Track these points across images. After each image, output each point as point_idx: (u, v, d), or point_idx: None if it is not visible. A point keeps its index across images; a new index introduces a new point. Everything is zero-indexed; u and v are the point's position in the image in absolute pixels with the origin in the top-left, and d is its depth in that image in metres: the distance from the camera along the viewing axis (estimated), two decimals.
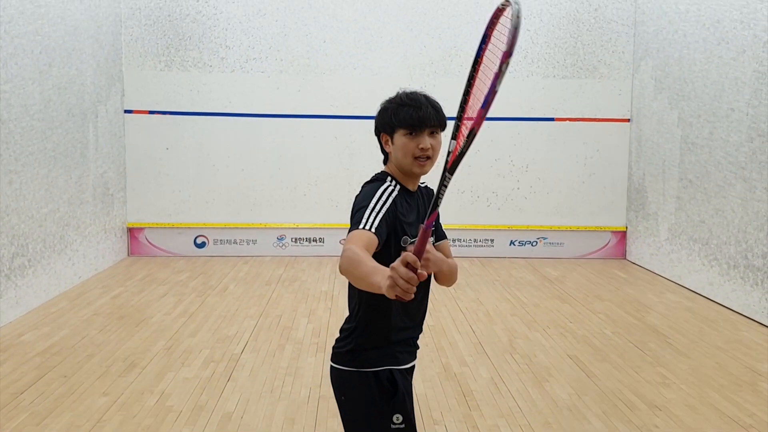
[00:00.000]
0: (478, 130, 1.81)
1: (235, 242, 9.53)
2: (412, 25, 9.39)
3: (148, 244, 9.40)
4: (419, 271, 1.73)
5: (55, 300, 6.99)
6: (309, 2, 9.30)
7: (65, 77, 7.36)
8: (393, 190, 2.32)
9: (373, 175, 2.44)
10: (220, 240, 9.51)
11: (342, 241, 1.96)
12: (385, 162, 2.47)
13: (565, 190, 9.65)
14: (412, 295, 1.74)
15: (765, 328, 6.39)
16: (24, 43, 6.49)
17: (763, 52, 6.58)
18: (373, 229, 2.16)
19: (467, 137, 1.84)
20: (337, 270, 8.32)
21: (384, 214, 2.21)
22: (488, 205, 9.61)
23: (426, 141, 2.31)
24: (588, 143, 9.61)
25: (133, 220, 9.34)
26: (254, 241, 9.55)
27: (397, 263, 1.74)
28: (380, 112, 2.40)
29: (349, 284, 2.36)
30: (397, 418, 2.35)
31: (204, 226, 9.46)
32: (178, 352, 5.50)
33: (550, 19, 9.44)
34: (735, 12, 7.04)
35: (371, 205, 2.23)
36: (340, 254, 2.10)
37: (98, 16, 8.24)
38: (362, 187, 2.39)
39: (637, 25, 9.33)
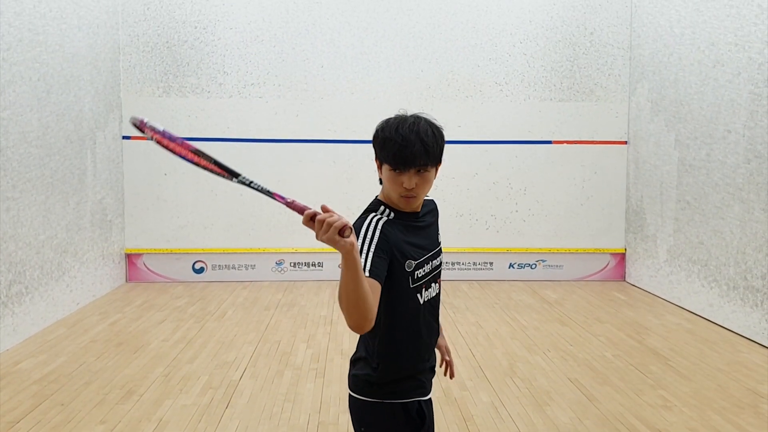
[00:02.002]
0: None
1: (233, 267, 9.51)
2: (409, 50, 9.45)
3: (147, 270, 9.37)
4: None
5: (53, 327, 6.95)
6: (306, 28, 9.37)
7: (63, 104, 7.39)
8: (379, 220, 2.20)
9: (369, 204, 2.34)
10: (219, 265, 9.49)
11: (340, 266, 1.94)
12: (381, 183, 2.35)
13: (563, 212, 9.66)
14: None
15: (765, 350, 6.35)
16: (22, 70, 6.53)
17: (759, 73, 6.62)
18: (367, 273, 2.04)
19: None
20: (336, 295, 8.30)
21: (374, 251, 2.10)
22: (487, 228, 9.61)
23: (410, 180, 2.18)
24: (586, 166, 9.64)
25: (131, 246, 9.33)
26: (253, 266, 9.52)
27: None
28: (374, 138, 2.28)
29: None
30: None
31: (202, 252, 9.44)
32: (176, 378, 5.46)
33: (546, 43, 9.51)
34: (729, 35, 7.10)
35: (359, 246, 2.11)
36: (339, 278, 2.05)
37: (96, 44, 8.30)
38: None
39: (633, 48, 9.40)
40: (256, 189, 1.94)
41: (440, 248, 2.44)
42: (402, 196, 2.22)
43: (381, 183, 2.34)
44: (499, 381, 5.43)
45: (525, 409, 4.85)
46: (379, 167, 2.28)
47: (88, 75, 8.04)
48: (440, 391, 5.16)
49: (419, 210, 2.35)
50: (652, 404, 4.95)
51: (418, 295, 2.29)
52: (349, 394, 2.34)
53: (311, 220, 1.82)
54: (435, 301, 2.41)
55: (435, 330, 2.42)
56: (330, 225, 1.80)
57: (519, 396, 5.10)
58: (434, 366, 2.46)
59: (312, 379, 5.47)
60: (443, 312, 7.63)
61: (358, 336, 2.35)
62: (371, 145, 2.36)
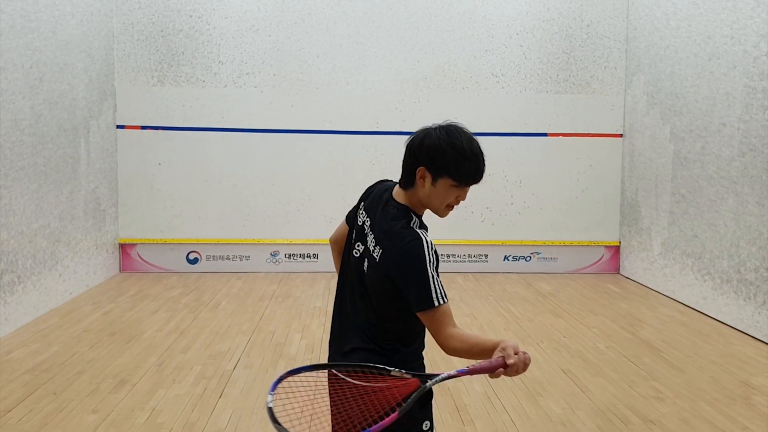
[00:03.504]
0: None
1: (228, 258, 9.49)
2: (405, 40, 9.42)
3: (140, 260, 9.35)
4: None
5: (45, 316, 6.93)
6: (302, 17, 9.33)
7: (56, 92, 7.34)
8: (426, 233, 2.27)
9: (393, 208, 2.31)
10: (213, 256, 9.47)
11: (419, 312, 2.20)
12: (405, 186, 2.34)
13: (558, 205, 9.66)
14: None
15: (758, 342, 6.37)
16: (14, 57, 6.48)
17: (754, 67, 6.62)
18: (447, 300, 2.19)
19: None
20: (332, 286, 8.30)
21: (437, 272, 2.21)
22: (482, 221, 9.60)
23: (466, 194, 2.33)
24: (581, 158, 9.63)
25: (125, 235, 9.30)
26: (247, 257, 9.51)
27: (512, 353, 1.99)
28: (434, 150, 2.24)
29: (372, 303, 2.34)
30: (426, 424, 2.35)
31: (197, 242, 9.42)
32: (169, 368, 5.45)
33: (542, 35, 9.49)
34: (725, 28, 7.09)
35: (433, 273, 2.18)
36: (444, 339, 2.18)
37: (90, 31, 8.24)
38: (397, 232, 2.24)
39: (629, 41, 9.39)
40: (446, 379, 2.10)
41: None
42: (447, 207, 2.33)
43: (405, 186, 2.33)
44: None
45: (518, 399, 4.86)
46: (423, 177, 2.27)
47: (81, 63, 7.99)
48: None
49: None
50: (644, 395, 4.97)
51: None
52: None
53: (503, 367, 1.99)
54: None
55: None
56: (527, 364, 2.02)
57: (512, 386, 5.10)
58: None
59: None
60: None
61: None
62: (415, 151, 2.29)
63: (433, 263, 2.19)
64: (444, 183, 2.26)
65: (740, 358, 5.91)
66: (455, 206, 2.35)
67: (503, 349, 1.99)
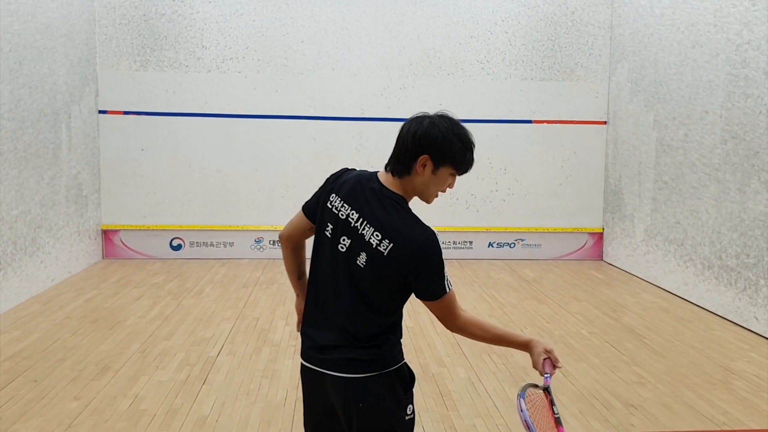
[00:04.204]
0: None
1: (211, 244, 9.45)
2: (391, 26, 9.37)
3: (123, 246, 9.28)
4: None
5: (27, 303, 6.87)
6: (286, 2, 9.25)
7: (36, 76, 7.25)
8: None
9: (392, 200, 2.29)
10: (197, 242, 9.42)
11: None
12: (398, 173, 2.31)
13: (542, 192, 9.69)
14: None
15: (738, 328, 6.45)
16: None
17: (736, 55, 6.65)
18: (453, 288, 2.36)
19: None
20: None
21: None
22: (467, 207, 9.62)
23: (454, 182, 2.43)
24: (565, 145, 9.66)
25: (108, 222, 9.23)
26: (231, 244, 9.47)
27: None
28: (441, 140, 2.25)
29: (384, 304, 2.32)
30: (410, 409, 2.33)
31: (180, 228, 9.37)
32: (152, 355, 5.43)
33: (527, 21, 9.48)
34: (709, 15, 7.11)
35: (444, 265, 2.32)
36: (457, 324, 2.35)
37: (71, 15, 8.13)
38: (413, 227, 2.27)
39: (614, 28, 9.40)
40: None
41: None
42: (439, 193, 2.40)
43: (400, 175, 2.30)
44: (476, 357, 5.46)
45: (501, 384, 4.89)
46: (424, 165, 2.28)
47: (62, 47, 7.88)
48: (418, 367, 5.18)
49: None
50: (626, 380, 5.01)
51: None
52: (351, 377, 2.28)
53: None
54: None
55: None
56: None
57: (495, 372, 5.13)
58: None
59: (290, 355, 5.47)
60: None
61: None
62: (421, 140, 2.27)
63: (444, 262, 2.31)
64: (444, 171, 2.32)
65: (721, 343, 5.97)
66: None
67: (549, 351, 2.34)
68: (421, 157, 2.26)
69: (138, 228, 9.28)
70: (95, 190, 8.99)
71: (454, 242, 9.65)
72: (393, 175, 2.32)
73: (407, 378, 2.37)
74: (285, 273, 8.94)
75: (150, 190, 9.28)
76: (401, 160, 2.29)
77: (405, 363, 2.38)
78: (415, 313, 6.68)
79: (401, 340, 2.40)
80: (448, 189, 2.43)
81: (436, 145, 2.26)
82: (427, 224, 2.31)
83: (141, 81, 9.15)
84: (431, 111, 2.38)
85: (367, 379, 2.27)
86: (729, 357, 5.59)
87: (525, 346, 2.38)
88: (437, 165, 2.28)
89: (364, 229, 2.27)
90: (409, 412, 2.34)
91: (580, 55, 9.56)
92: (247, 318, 6.54)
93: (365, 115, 9.40)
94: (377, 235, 2.24)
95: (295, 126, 9.38)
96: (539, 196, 9.69)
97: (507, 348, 5.40)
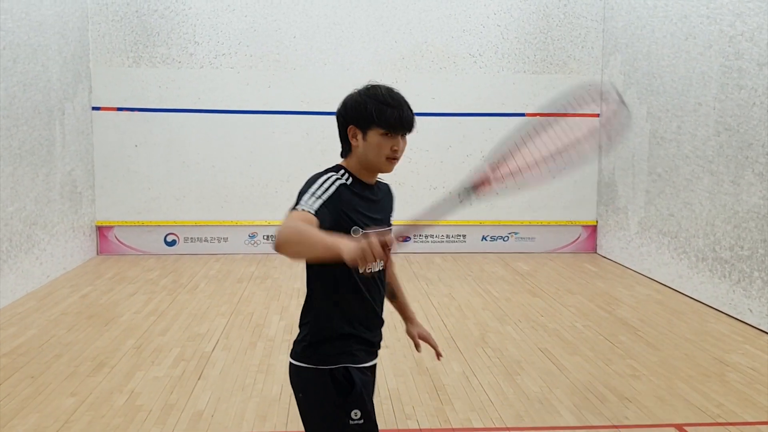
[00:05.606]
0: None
1: (206, 240, 9.45)
2: (383, 20, 9.37)
3: (118, 242, 9.28)
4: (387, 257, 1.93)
5: (23, 300, 6.87)
6: None
7: (30, 74, 7.22)
8: (338, 180, 2.28)
9: (331, 166, 2.38)
10: (191, 238, 9.42)
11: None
12: (344, 154, 2.39)
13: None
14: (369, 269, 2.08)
15: (732, 320, 6.48)
16: None
17: (729, 47, 6.67)
18: (312, 211, 2.11)
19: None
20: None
21: (325, 200, 2.18)
22: (460, 201, 9.61)
23: (400, 143, 2.32)
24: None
25: (102, 218, 9.22)
26: (225, 239, 9.47)
27: (373, 237, 1.83)
28: (355, 105, 2.33)
29: (308, 277, 2.41)
30: (356, 413, 2.31)
31: (174, 224, 9.36)
32: (147, 350, 5.43)
33: (520, 14, 9.48)
34: (702, 7, 7.13)
35: (311, 189, 2.20)
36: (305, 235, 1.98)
37: (64, 12, 8.10)
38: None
39: (606, 21, 9.41)
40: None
41: (391, 229, 2.49)
42: (388, 158, 2.31)
43: (344, 155, 2.39)
44: (471, 351, 5.48)
45: (496, 378, 4.91)
46: (354, 135, 2.32)
47: (55, 44, 7.85)
48: (412, 361, 5.20)
49: (374, 183, 2.43)
50: (621, 373, 5.04)
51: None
52: (289, 362, 2.48)
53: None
54: (380, 276, 2.44)
55: (377, 306, 2.45)
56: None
57: (490, 365, 5.15)
58: (374, 342, 2.49)
59: (285, 350, 5.48)
60: (416, 283, 7.66)
61: None
62: (341, 113, 2.38)
63: (322, 192, 2.20)
64: (374, 134, 2.29)
65: (715, 335, 6.01)
66: (397, 159, 2.34)
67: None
68: (348, 129, 2.34)
69: (132, 224, 9.27)
70: (89, 186, 8.98)
71: (448, 236, 9.67)
72: (342, 156, 2.41)
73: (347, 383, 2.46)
74: (279, 268, 8.93)
75: (144, 186, 9.27)
76: (341, 142, 2.39)
77: None
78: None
79: None
80: (402, 154, 2.35)
81: (354, 112, 2.33)
82: (332, 170, 2.33)
83: (134, 77, 9.13)
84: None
85: None
86: (723, 349, 5.62)
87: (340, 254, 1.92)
88: (363, 130, 2.31)
89: None
90: (355, 417, 2.34)
91: (573, 48, 9.56)
92: (242, 313, 6.55)
93: None
94: None
95: (288, 121, 9.37)
96: (533, 189, 9.70)
97: (502, 342, 5.41)
